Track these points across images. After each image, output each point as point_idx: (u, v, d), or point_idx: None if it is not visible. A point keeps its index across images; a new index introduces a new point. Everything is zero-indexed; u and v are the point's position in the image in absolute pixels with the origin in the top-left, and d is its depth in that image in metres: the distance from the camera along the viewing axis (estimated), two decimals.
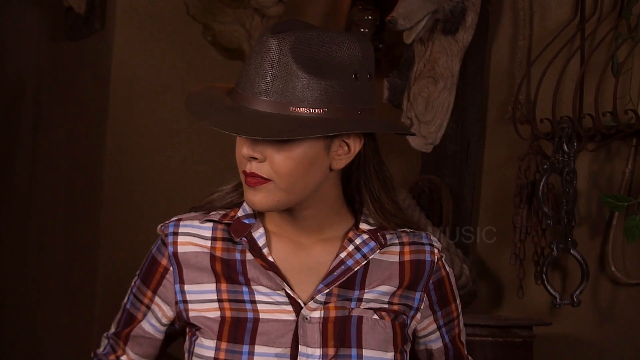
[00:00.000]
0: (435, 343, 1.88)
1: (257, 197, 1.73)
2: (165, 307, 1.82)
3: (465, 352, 1.92)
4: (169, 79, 4.14)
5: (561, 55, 3.18)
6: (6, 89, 4.84)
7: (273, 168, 1.71)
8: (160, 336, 1.85)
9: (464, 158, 3.44)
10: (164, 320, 1.83)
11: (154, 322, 1.84)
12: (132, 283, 1.88)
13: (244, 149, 1.71)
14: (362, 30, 3.77)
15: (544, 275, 3.08)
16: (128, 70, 4.10)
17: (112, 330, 1.89)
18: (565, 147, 3.07)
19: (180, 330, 1.85)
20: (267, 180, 1.71)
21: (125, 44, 4.09)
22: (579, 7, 3.21)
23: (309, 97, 1.68)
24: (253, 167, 1.72)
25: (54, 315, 4.37)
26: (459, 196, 3.42)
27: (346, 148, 1.74)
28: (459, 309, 1.91)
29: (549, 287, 3.07)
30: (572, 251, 3.06)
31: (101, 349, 1.90)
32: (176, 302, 1.80)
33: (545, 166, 3.09)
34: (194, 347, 1.78)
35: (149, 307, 1.83)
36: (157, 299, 1.82)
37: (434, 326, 1.87)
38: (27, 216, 4.63)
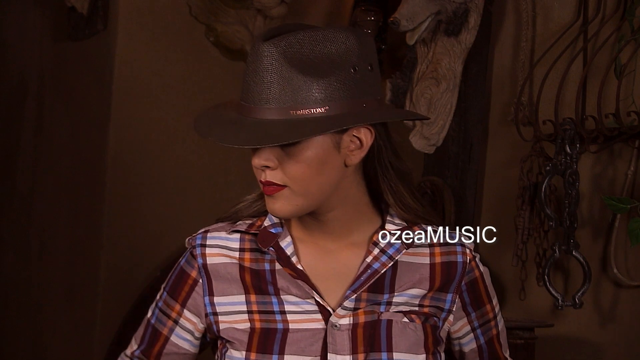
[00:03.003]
0: (469, 345, 1.87)
1: (276, 205, 1.72)
2: (195, 320, 1.80)
3: (503, 353, 1.90)
4: (172, 79, 4.14)
5: (564, 56, 3.18)
6: (9, 89, 4.84)
7: (286, 174, 1.70)
8: (195, 350, 1.83)
9: (466, 159, 3.44)
10: (197, 334, 1.81)
11: (187, 336, 1.81)
12: (158, 297, 1.85)
13: (255, 159, 1.71)
14: (364, 31, 3.77)
15: (546, 277, 3.08)
16: (130, 71, 4.10)
17: (135, 348, 1.85)
18: (567, 149, 3.06)
19: (211, 342, 1.83)
20: (282, 186, 1.70)
21: (127, 44, 4.09)
22: (581, 9, 3.21)
23: (308, 98, 1.67)
24: (267, 175, 1.71)
25: (56, 316, 4.37)
26: (461, 197, 3.42)
27: (358, 142, 1.73)
28: (496, 309, 1.88)
29: (550, 289, 3.07)
30: (574, 253, 3.06)
31: None
32: (206, 315, 1.78)
33: (548, 168, 3.08)
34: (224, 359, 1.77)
35: (176, 322, 1.81)
36: (185, 313, 1.80)
37: (467, 328, 1.85)
38: (29, 216, 4.63)
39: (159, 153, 4.14)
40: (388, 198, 1.78)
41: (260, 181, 1.72)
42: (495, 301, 1.88)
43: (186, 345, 1.82)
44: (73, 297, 4.26)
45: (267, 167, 1.70)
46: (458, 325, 1.85)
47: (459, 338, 1.86)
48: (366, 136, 1.73)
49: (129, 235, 4.08)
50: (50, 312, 4.42)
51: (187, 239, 1.83)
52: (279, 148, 1.69)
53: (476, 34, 3.31)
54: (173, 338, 1.81)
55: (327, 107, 1.67)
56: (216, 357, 1.82)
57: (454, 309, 1.82)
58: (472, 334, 1.86)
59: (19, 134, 4.75)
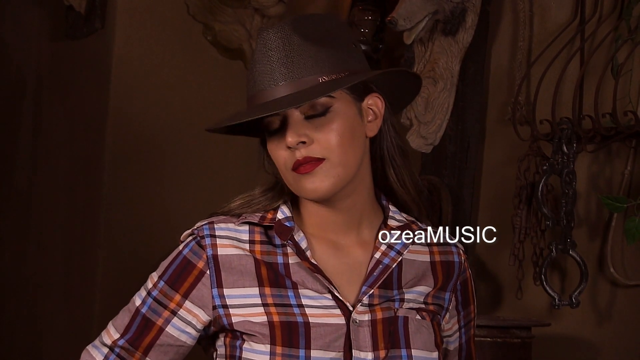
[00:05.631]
0: (453, 343, 1.88)
1: (316, 182, 1.71)
2: (198, 312, 1.75)
3: (475, 354, 1.92)
4: (169, 78, 4.14)
5: (561, 56, 3.18)
6: (7, 87, 4.84)
7: (322, 145, 1.70)
8: (193, 342, 1.78)
9: (464, 159, 3.44)
10: (199, 326, 1.76)
11: (186, 328, 1.76)
12: (150, 286, 1.79)
13: (288, 138, 1.70)
14: (362, 30, 3.77)
15: (542, 276, 3.08)
16: (128, 70, 4.10)
17: (116, 337, 1.78)
18: (564, 148, 3.07)
19: (211, 334, 1.79)
20: (321, 160, 1.71)
21: (125, 43, 4.10)
22: (579, 9, 3.21)
23: (329, 66, 1.71)
24: (303, 152, 1.71)
25: (53, 314, 4.37)
26: (459, 197, 3.43)
27: (372, 114, 1.77)
28: (476, 311, 1.91)
29: (547, 288, 3.07)
30: (571, 252, 3.07)
31: (99, 358, 1.79)
32: (214, 307, 1.74)
33: (545, 167, 3.09)
34: (241, 352, 1.73)
35: (174, 313, 1.76)
36: (187, 304, 1.75)
37: (456, 327, 1.87)
38: (27, 215, 4.63)
39: (157, 152, 4.14)
40: (391, 174, 1.81)
41: (297, 161, 1.71)
42: (476, 302, 1.91)
43: (183, 337, 1.76)
44: (70, 296, 4.27)
45: (303, 142, 1.70)
46: (450, 324, 1.87)
47: (449, 336, 1.88)
48: (378, 105, 1.77)
49: (127, 233, 4.08)
50: (48, 310, 4.42)
51: (187, 231, 1.79)
52: (309, 123, 1.71)
53: (473, 33, 3.31)
54: (169, 329, 1.76)
55: (348, 72, 1.72)
56: (213, 350, 1.79)
57: (450, 308, 1.84)
58: (458, 333, 1.88)
59: (17, 132, 4.75)
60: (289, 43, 1.70)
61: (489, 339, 2.96)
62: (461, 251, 1.87)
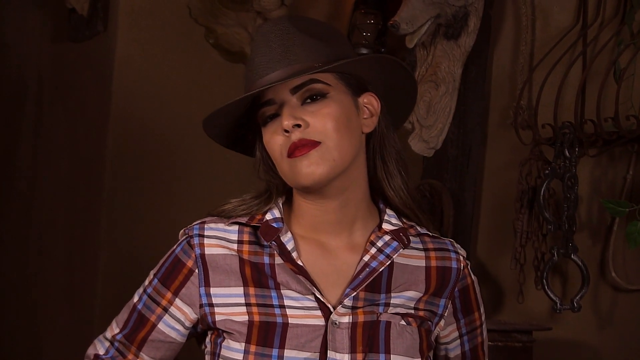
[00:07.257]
0: (454, 350, 1.88)
1: (312, 166, 1.72)
2: (187, 310, 1.79)
3: None
4: (171, 81, 4.15)
5: (563, 60, 3.19)
6: (8, 90, 4.84)
7: (318, 129, 1.72)
8: (183, 340, 1.82)
9: (465, 163, 3.44)
10: (187, 324, 1.80)
11: (176, 325, 1.80)
12: (146, 283, 1.83)
13: (284, 121, 1.72)
14: (364, 34, 3.77)
15: (544, 280, 3.08)
16: (130, 72, 4.10)
17: (116, 331, 1.84)
18: (566, 153, 3.07)
19: (201, 332, 1.82)
20: (317, 143, 1.72)
21: (127, 46, 4.10)
22: (581, 13, 3.21)
23: (326, 54, 1.74)
24: (299, 135, 1.72)
25: (54, 316, 4.37)
26: (460, 201, 3.42)
27: (368, 112, 1.79)
28: (483, 318, 1.90)
29: (549, 292, 3.07)
30: (572, 256, 3.06)
31: (102, 351, 1.85)
32: (201, 305, 1.78)
33: (547, 171, 3.09)
34: (220, 349, 1.76)
35: (165, 310, 1.80)
36: (177, 301, 1.79)
37: (455, 334, 1.87)
38: (28, 216, 4.64)
39: (158, 154, 4.14)
40: (382, 176, 1.81)
41: (293, 143, 1.72)
42: (482, 310, 1.91)
43: (173, 334, 1.80)
44: (71, 297, 4.27)
45: (298, 125, 1.72)
46: (447, 331, 1.86)
47: (447, 343, 1.88)
48: (373, 104, 1.80)
49: (128, 235, 4.08)
50: (49, 311, 4.42)
51: (182, 230, 1.82)
52: (304, 109, 1.73)
53: (475, 37, 3.31)
54: (160, 326, 1.80)
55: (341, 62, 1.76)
56: (204, 347, 1.82)
57: (445, 314, 1.84)
58: (459, 340, 1.88)
59: (19, 135, 4.75)
60: (286, 33, 1.73)
61: (490, 343, 2.95)
62: (462, 257, 1.86)
